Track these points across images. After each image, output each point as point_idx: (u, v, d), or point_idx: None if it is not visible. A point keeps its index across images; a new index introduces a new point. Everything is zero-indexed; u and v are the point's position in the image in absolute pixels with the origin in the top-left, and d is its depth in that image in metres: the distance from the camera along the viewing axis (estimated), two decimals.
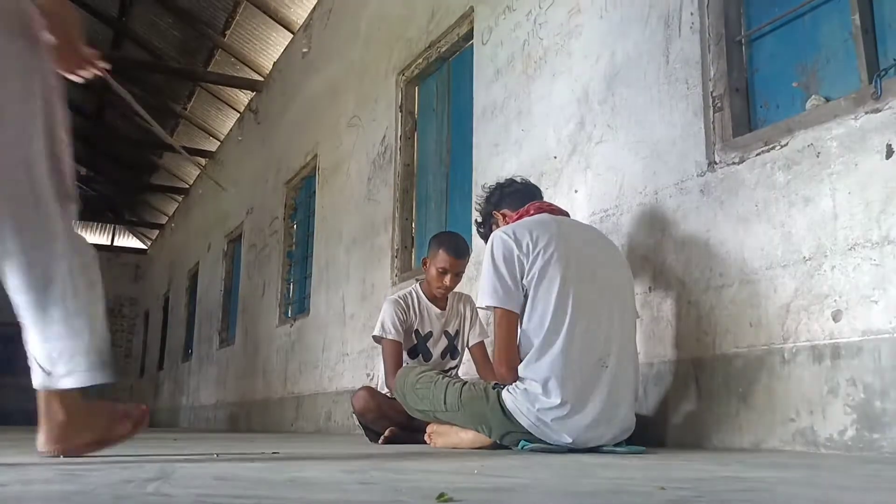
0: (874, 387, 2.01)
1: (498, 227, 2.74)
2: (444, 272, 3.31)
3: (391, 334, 3.30)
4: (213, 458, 1.96)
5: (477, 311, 3.51)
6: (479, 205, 2.91)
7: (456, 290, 3.52)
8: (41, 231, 1.72)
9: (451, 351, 3.46)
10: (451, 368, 3.42)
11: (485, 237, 2.80)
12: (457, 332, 3.47)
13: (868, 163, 2.10)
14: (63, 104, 1.85)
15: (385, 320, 3.33)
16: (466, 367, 3.76)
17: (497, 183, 2.89)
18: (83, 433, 1.79)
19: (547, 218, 2.50)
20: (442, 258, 3.29)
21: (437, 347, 3.42)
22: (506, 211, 2.75)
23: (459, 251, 3.34)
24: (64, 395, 1.77)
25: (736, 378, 2.42)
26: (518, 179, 2.87)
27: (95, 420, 1.85)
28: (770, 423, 2.29)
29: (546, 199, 2.86)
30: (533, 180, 2.99)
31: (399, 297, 3.44)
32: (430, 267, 3.34)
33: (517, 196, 2.74)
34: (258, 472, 1.48)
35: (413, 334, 3.39)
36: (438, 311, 3.43)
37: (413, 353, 3.39)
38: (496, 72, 4.05)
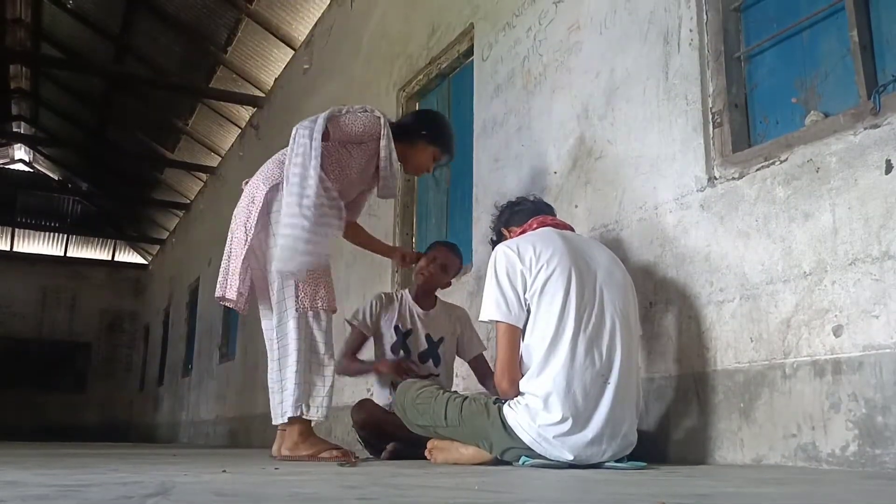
0: (876, 402, 2.00)
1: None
2: (432, 260, 3.49)
3: (357, 321, 3.46)
4: (221, 472, 1.95)
5: (471, 325, 3.57)
6: (493, 222, 2.92)
7: (452, 303, 3.63)
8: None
9: (433, 356, 3.47)
10: (433, 375, 3.41)
11: (495, 244, 2.84)
12: (441, 340, 3.49)
13: (867, 178, 2.11)
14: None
15: (362, 308, 3.49)
16: (468, 382, 3.76)
17: (508, 201, 2.91)
18: (303, 450, 2.89)
19: (550, 232, 2.50)
20: (435, 251, 3.53)
21: (417, 347, 3.45)
22: (514, 228, 2.75)
23: (451, 248, 3.56)
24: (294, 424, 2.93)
25: (737, 393, 2.42)
26: (530, 198, 2.88)
27: (314, 445, 2.93)
28: (772, 439, 2.28)
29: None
30: (533, 196, 2.99)
31: (386, 293, 3.62)
32: (422, 260, 3.51)
33: (526, 213, 2.74)
34: (259, 488, 1.48)
35: (394, 329, 3.45)
36: (422, 311, 3.50)
37: (393, 349, 3.45)
38: (496, 88, 4.06)
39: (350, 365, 3.45)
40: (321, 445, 2.94)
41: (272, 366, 3.03)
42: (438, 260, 3.49)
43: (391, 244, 3.65)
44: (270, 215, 3.00)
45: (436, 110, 3.79)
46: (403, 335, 3.46)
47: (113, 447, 6.08)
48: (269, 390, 3.05)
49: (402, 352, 3.44)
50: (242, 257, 2.97)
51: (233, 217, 3.16)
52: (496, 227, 2.87)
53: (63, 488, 1.40)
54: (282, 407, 2.94)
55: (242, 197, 3.15)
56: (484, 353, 3.55)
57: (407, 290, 3.60)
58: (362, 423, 3.30)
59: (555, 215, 2.83)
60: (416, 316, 3.49)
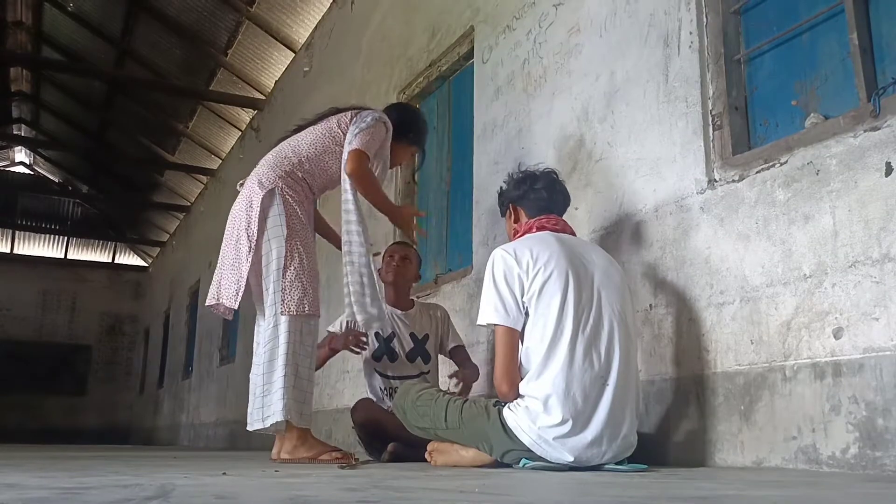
0: (876, 404, 2.00)
1: (509, 218, 2.75)
2: (391, 257, 3.64)
3: (334, 329, 3.62)
4: (222, 475, 1.95)
5: (449, 320, 3.68)
6: (507, 180, 2.80)
7: (430, 301, 3.77)
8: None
9: (422, 354, 3.54)
10: (423, 373, 3.50)
11: (501, 210, 2.83)
12: (426, 337, 3.56)
13: (867, 180, 2.11)
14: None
15: (341, 318, 3.58)
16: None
17: (531, 174, 2.75)
18: (302, 452, 2.91)
19: (548, 236, 2.50)
20: (388, 250, 3.72)
21: (403, 348, 3.51)
22: (520, 210, 2.71)
23: (401, 242, 3.80)
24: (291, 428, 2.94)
25: (737, 395, 2.42)
26: (553, 179, 2.73)
27: (313, 447, 2.94)
28: (772, 441, 2.28)
29: None
30: (555, 174, 2.81)
31: None
32: (381, 263, 3.66)
33: (538, 203, 2.66)
34: (258, 491, 1.48)
35: (374, 336, 3.51)
36: (401, 311, 3.59)
37: (377, 356, 3.51)
38: (496, 90, 4.07)
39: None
40: (320, 448, 2.94)
41: (256, 369, 3.03)
42: (396, 255, 3.62)
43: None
44: (267, 220, 3.03)
45: (414, 107, 3.82)
46: (385, 340, 3.51)
47: (113, 450, 6.08)
48: (251, 393, 3.05)
49: (385, 357, 3.50)
50: (249, 264, 3.00)
51: (230, 218, 3.16)
52: (507, 193, 2.78)
53: (63, 491, 1.40)
54: (262, 412, 2.94)
55: (239, 199, 3.15)
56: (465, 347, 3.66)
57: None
58: (362, 423, 3.32)
59: (564, 209, 2.75)
60: (396, 318, 3.56)
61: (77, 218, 17.98)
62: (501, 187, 2.84)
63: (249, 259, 3.01)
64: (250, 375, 3.09)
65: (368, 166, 3.07)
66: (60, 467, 2.42)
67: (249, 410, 3.04)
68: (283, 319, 2.95)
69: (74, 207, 17.84)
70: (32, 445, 8.06)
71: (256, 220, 3.01)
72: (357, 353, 3.47)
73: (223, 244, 3.16)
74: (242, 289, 3.01)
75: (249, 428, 3.00)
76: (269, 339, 2.98)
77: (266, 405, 2.92)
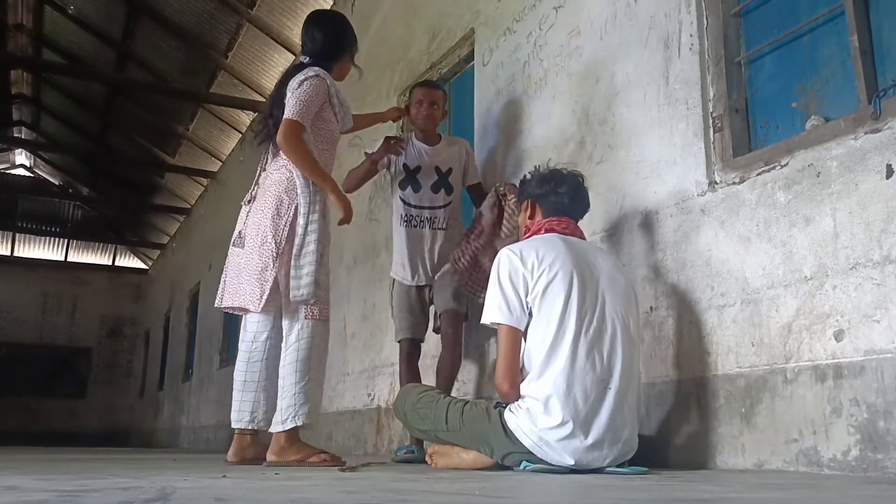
0: (877, 407, 2.00)
1: (525, 211, 2.74)
2: (420, 103, 3.77)
3: (371, 150, 3.86)
4: (222, 477, 1.95)
5: (472, 154, 3.90)
6: (533, 173, 2.77)
7: (452, 137, 4.05)
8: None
9: (445, 187, 3.76)
10: (446, 205, 3.73)
11: (518, 199, 2.86)
12: (449, 170, 3.77)
13: (868, 183, 2.11)
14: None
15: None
16: (468, 387, 3.75)
17: (557, 174, 2.71)
18: (290, 455, 2.89)
19: (555, 237, 2.50)
20: (416, 95, 3.83)
21: (428, 180, 3.74)
22: (538, 208, 2.69)
23: (430, 84, 4.01)
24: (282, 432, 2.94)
25: (738, 398, 2.42)
26: (577, 181, 2.71)
27: (301, 450, 2.92)
28: (773, 444, 2.28)
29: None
30: (580, 177, 2.76)
31: (399, 136, 3.97)
32: (411, 108, 3.83)
33: (557, 206, 2.64)
34: (258, 493, 1.47)
35: (402, 167, 3.77)
36: (427, 147, 3.80)
37: (403, 185, 3.75)
38: (497, 92, 4.07)
39: (349, 180, 3.78)
40: (308, 450, 2.94)
41: (252, 367, 3.08)
42: (424, 101, 3.76)
43: (372, 171, 3.84)
44: (297, 227, 3.08)
45: (325, 13, 3.75)
46: (412, 171, 3.75)
47: (113, 452, 6.07)
48: (240, 391, 3.07)
49: (410, 187, 3.73)
50: (277, 265, 3.04)
51: (252, 223, 3.17)
52: (528, 189, 2.75)
53: (63, 494, 1.40)
54: (294, 409, 2.92)
55: (264, 208, 3.15)
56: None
57: (412, 134, 3.87)
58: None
59: (581, 216, 2.73)
60: (423, 153, 3.78)
61: (77, 220, 17.98)
62: (525, 177, 2.82)
63: (278, 259, 3.04)
64: (244, 373, 3.11)
65: (299, 135, 3.01)
66: (60, 470, 2.42)
67: (243, 409, 3.07)
68: (308, 324, 3.00)
69: (75, 210, 17.84)
70: (32, 448, 8.05)
71: (286, 229, 3.06)
72: (398, 153, 3.73)
73: (254, 246, 3.12)
74: (266, 293, 3.01)
75: (273, 429, 2.97)
76: (295, 340, 3.00)
77: (286, 407, 2.93)
